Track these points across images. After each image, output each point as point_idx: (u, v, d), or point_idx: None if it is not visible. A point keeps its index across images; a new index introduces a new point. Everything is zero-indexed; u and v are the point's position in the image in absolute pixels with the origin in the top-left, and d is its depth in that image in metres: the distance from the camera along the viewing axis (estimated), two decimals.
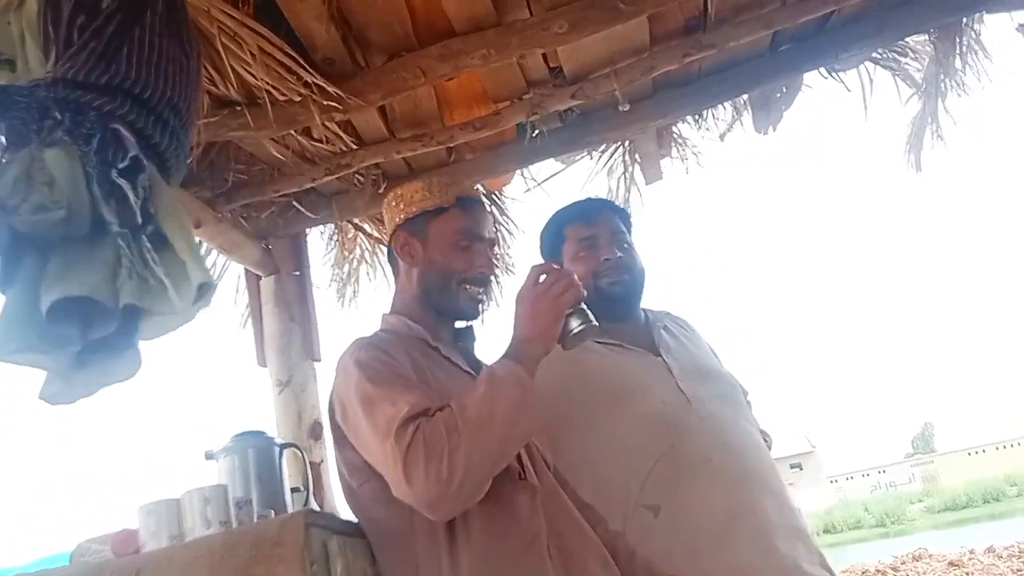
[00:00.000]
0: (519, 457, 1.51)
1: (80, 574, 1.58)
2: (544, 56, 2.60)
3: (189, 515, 1.60)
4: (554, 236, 2.13)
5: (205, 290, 1.44)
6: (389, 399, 1.38)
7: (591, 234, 2.05)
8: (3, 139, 1.36)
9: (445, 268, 1.63)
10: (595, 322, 1.51)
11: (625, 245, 2.06)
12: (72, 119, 1.37)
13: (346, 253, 3.55)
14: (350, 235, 3.49)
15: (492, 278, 1.61)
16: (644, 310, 2.13)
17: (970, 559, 7.76)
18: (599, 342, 1.97)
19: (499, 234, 3.47)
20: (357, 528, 1.73)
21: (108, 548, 1.66)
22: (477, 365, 1.68)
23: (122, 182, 1.34)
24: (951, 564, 7.58)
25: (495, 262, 1.62)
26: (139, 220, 1.36)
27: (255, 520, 1.75)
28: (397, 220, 1.70)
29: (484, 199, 1.72)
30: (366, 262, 3.57)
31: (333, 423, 1.60)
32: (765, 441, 2.00)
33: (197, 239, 1.54)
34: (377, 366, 1.47)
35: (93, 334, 1.37)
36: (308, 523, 1.48)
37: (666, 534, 1.74)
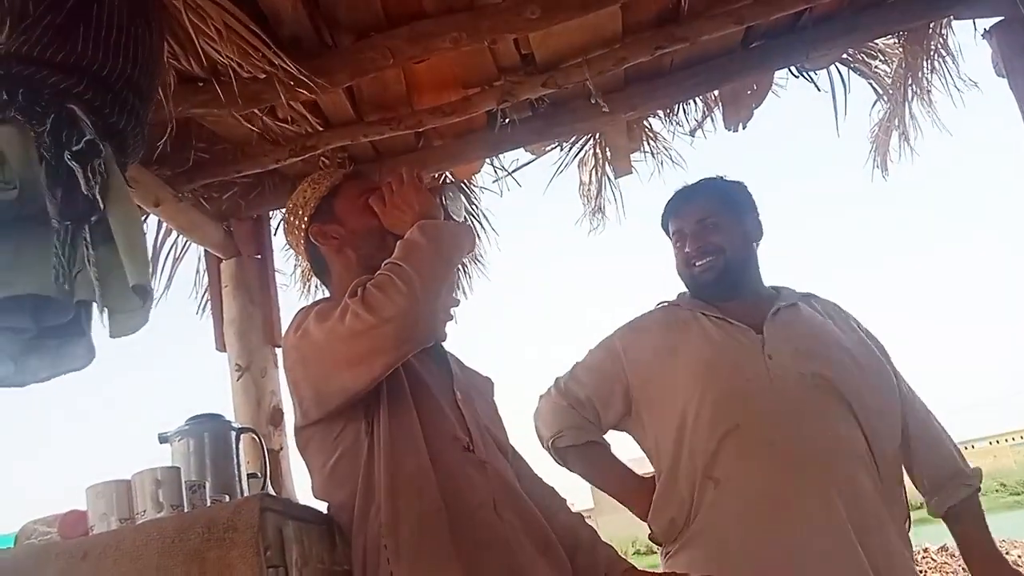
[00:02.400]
0: (468, 432, 1.54)
1: (24, 556, 1.52)
2: (516, 43, 2.57)
3: (140, 497, 1.55)
4: (666, 232, 2.18)
5: (141, 293, 1.38)
6: (335, 308, 1.43)
7: (678, 228, 2.09)
8: None
9: (371, 229, 1.64)
10: (451, 179, 1.65)
11: (713, 228, 2.04)
12: (26, 97, 1.32)
13: None
14: None
15: None
16: (777, 288, 2.10)
17: (923, 557, 7.90)
18: (704, 314, 2.00)
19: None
20: (315, 515, 1.69)
21: (55, 530, 1.61)
22: (436, 348, 1.68)
23: (74, 165, 1.29)
24: None
25: None
26: (87, 209, 1.30)
27: (208, 504, 1.71)
28: (304, 223, 1.70)
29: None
30: None
31: (297, 399, 1.57)
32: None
33: (145, 235, 1.48)
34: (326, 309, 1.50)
35: (47, 322, 1.32)
36: (263, 507, 1.44)
37: (723, 508, 1.80)
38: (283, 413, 2.99)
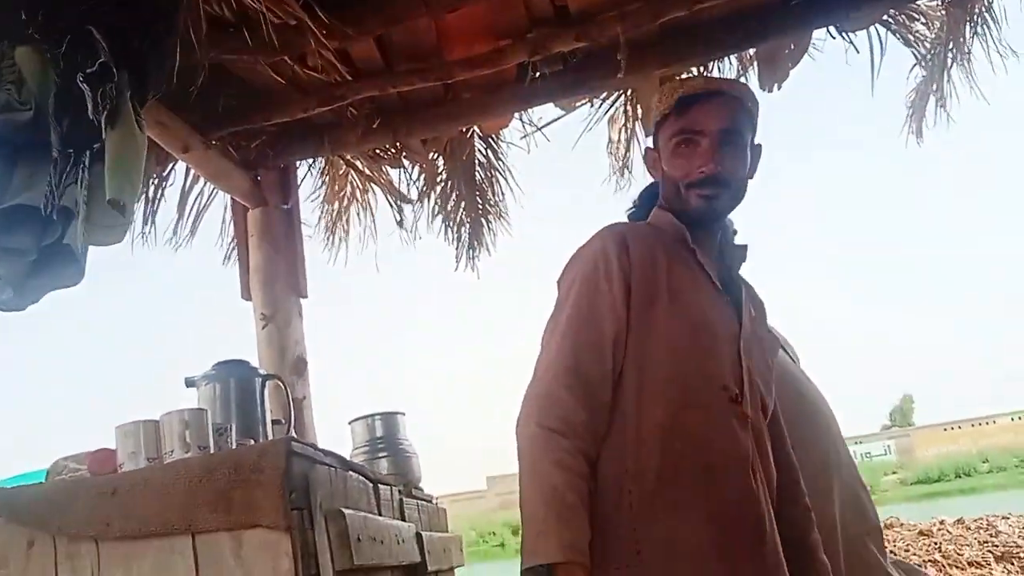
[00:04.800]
0: (741, 383, 1.43)
1: (55, 491, 1.55)
2: None
3: (168, 437, 1.57)
4: None
5: (117, 208, 1.36)
6: (561, 345, 1.39)
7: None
8: None
9: (669, 177, 1.52)
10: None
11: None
12: (46, 16, 1.30)
13: (336, 190, 3.49)
14: (341, 171, 3.42)
15: (726, 175, 1.47)
16: None
17: (939, 529, 7.87)
18: None
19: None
20: (342, 461, 1.71)
21: (85, 467, 1.63)
22: (733, 286, 1.55)
23: (85, 88, 1.27)
24: (921, 533, 7.69)
25: (729, 158, 1.47)
26: (91, 137, 1.29)
27: (235, 447, 1.72)
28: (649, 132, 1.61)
29: (725, 89, 1.51)
30: (357, 200, 3.51)
31: None
32: None
33: (140, 160, 1.45)
34: (591, 294, 1.42)
35: (44, 240, 1.33)
36: (290, 451, 1.46)
37: None
38: (306, 363, 3.01)
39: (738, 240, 1.61)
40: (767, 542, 1.37)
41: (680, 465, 1.35)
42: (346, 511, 1.53)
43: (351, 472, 1.70)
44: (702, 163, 1.46)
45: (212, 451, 1.60)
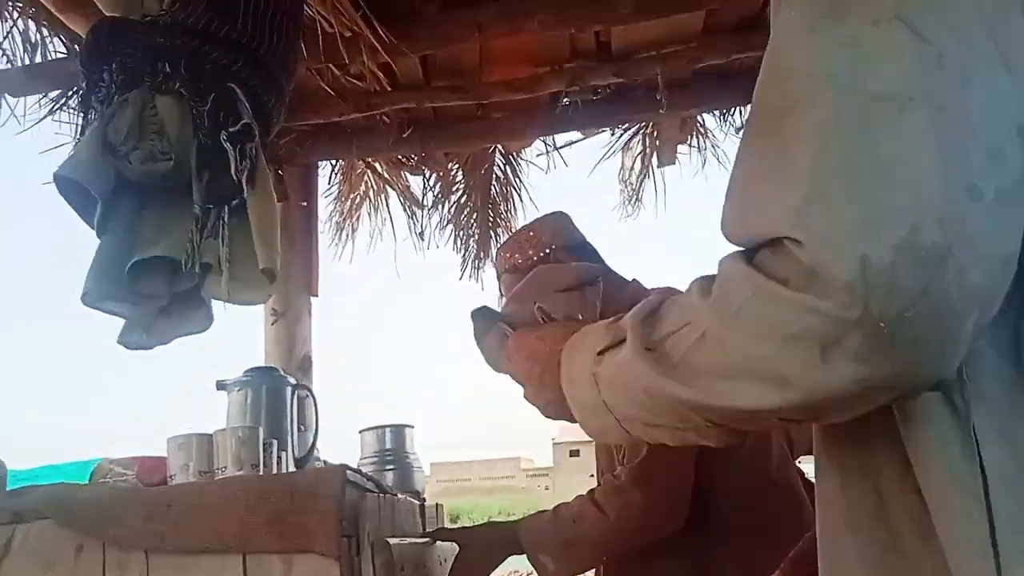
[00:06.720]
0: None
1: (108, 499, 1.56)
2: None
3: (222, 453, 1.60)
4: None
5: (268, 275, 1.43)
6: None
7: None
8: (115, 77, 1.30)
9: None
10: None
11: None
12: (188, 70, 1.32)
13: (350, 187, 3.50)
14: (358, 171, 3.43)
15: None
16: None
17: None
18: None
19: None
20: (381, 488, 1.76)
21: (132, 472, 1.65)
22: None
23: (228, 147, 1.31)
24: None
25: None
26: (230, 193, 1.33)
27: (275, 460, 1.76)
28: None
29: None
30: (369, 200, 3.53)
31: None
32: None
33: (277, 221, 1.51)
34: None
35: (177, 287, 1.36)
36: (345, 479, 1.50)
37: None
38: (312, 361, 3.03)
39: None
40: None
41: None
42: (392, 541, 1.58)
43: (397, 496, 1.75)
44: None
45: (262, 470, 1.63)
